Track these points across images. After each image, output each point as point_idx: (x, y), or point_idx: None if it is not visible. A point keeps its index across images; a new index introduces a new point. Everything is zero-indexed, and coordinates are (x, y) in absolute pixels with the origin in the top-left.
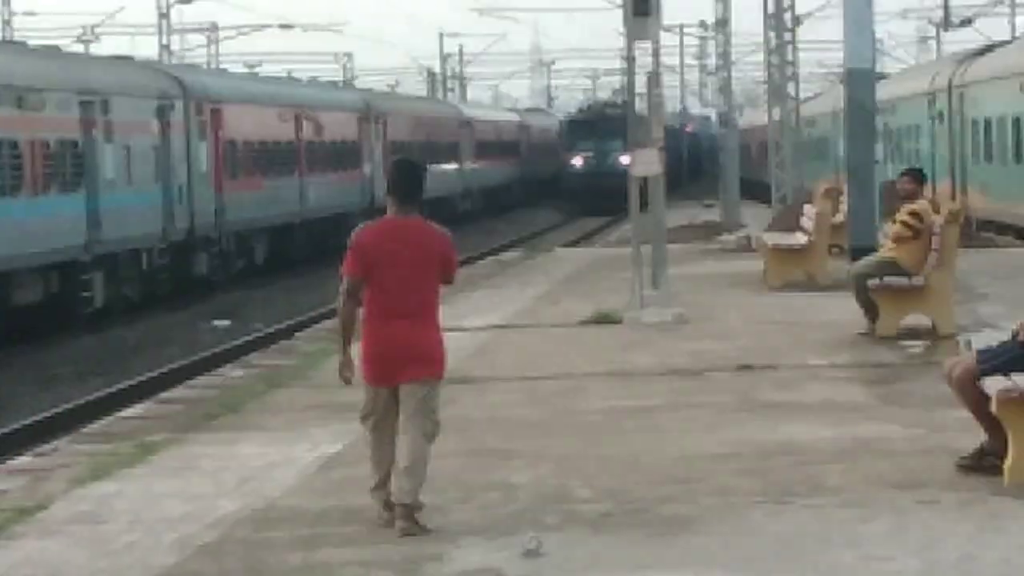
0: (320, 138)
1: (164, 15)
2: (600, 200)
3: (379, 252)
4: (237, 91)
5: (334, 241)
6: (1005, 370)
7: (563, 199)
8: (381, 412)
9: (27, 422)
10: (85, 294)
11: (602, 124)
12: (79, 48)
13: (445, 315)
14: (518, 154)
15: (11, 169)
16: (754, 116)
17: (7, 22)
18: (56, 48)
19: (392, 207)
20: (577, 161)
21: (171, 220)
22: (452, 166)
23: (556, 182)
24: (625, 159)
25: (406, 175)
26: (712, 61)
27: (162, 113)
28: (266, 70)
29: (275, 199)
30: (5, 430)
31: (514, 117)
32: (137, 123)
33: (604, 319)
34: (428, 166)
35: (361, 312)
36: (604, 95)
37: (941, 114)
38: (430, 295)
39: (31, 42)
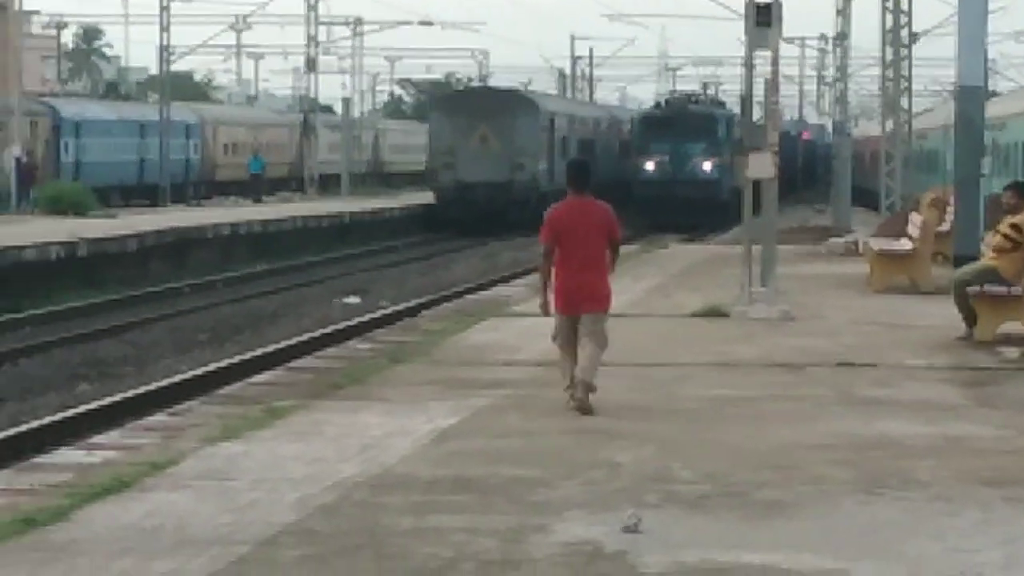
0: (594, 136)
1: (312, 8)
2: (674, 213)
3: (567, 223)
4: (560, 106)
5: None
6: None
7: (634, 210)
8: (565, 332)
9: (164, 383)
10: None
11: (682, 122)
12: (231, 35)
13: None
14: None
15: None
16: (868, 127)
17: (165, 8)
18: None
19: (570, 192)
20: (650, 166)
21: (550, 179)
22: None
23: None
24: (707, 165)
25: (577, 170)
26: (830, 73)
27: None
28: (406, 64)
29: None
30: (143, 390)
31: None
32: (536, 127)
33: (713, 312)
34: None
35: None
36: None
37: None
38: (600, 252)
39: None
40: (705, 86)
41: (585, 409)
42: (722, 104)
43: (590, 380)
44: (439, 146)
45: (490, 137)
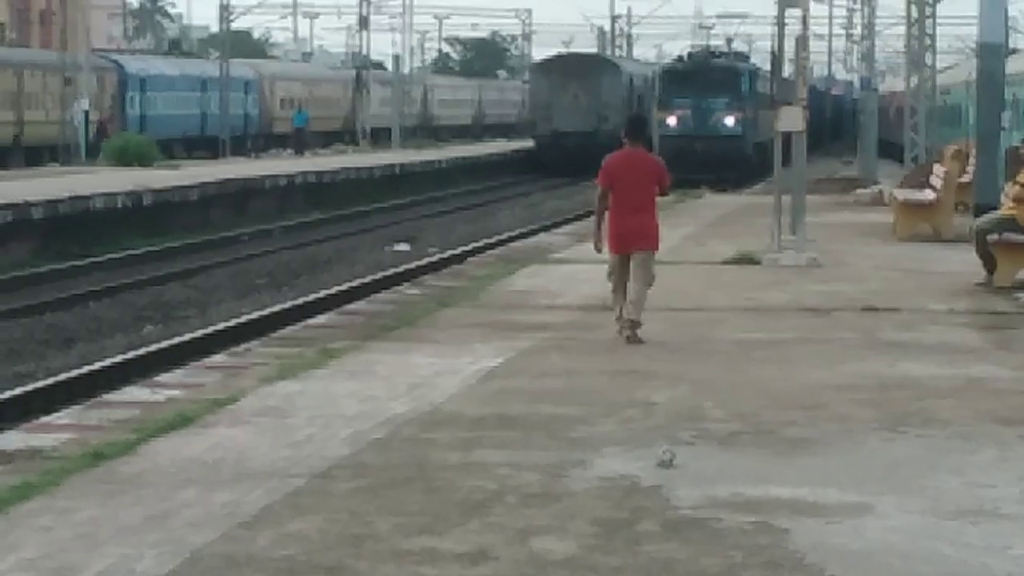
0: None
1: None
2: (697, 168)
3: (621, 170)
4: (637, 68)
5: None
6: None
7: None
8: (618, 271)
9: (225, 325)
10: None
11: (704, 76)
12: None
13: (592, 252)
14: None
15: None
16: (894, 83)
17: None
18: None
19: (626, 142)
20: (671, 120)
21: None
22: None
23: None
24: (730, 120)
25: (635, 123)
26: (858, 31)
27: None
28: (454, 22)
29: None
30: (206, 331)
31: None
32: (618, 86)
33: (744, 260)
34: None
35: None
36: (758, 61)
37: None
38: (651, 197)
39: None
40: (729, 40)
41: (634, 340)
42: (746, 58)
43: (636, 318)
44: (538, 101)
45: (580, 94)
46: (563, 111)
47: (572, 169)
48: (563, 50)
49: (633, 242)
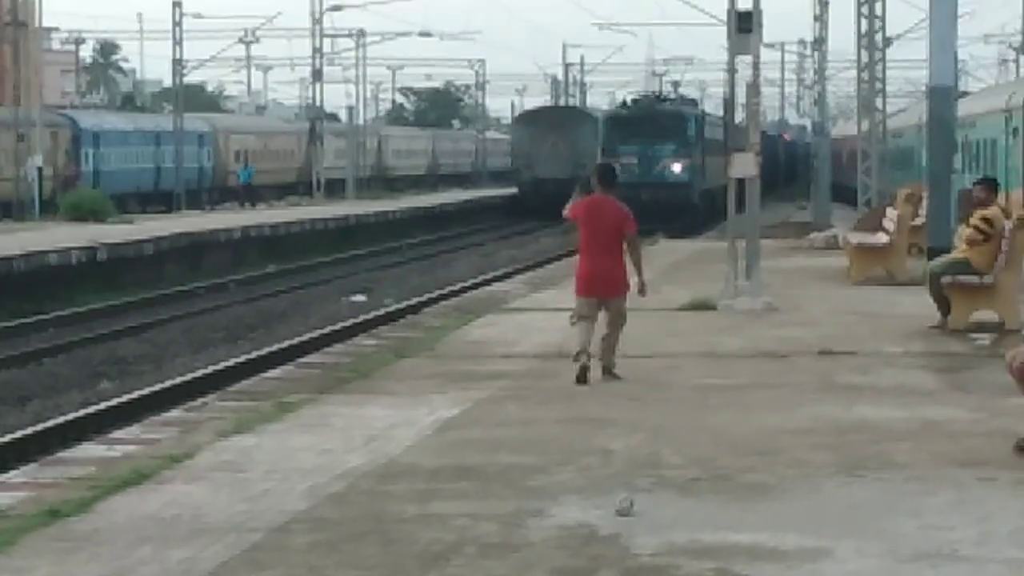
0: None
1: (317, 21)
2: (643, 217)
3: (587, 214)
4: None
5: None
6: None
7: None
8: (587, 313)
9: (181, 380)
10: None
11: (650, 123)
12: (241, 48)
13: (551, 299)
14: None
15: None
16: (845, 127)
17: (178, 23)
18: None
19: (597, 190)
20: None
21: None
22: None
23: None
24: (677, 167)
25: (606, 172)
26: (809, 76)
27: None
28: (407, 73)
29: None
30: (161, 386)
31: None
32: (593, 135)
33: (700, 306)
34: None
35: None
36: (711, 107)
37: (1016, 130)
38: (616, 243)
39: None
40: (676, 84)
41: (611, 377)
42: (693, 102)
43: (608, 363)
44: (520, 151)
45: (559, 143)
46: (543, 159)
47: (553, 213)
48: (515, 98)
49: (602, 290)
